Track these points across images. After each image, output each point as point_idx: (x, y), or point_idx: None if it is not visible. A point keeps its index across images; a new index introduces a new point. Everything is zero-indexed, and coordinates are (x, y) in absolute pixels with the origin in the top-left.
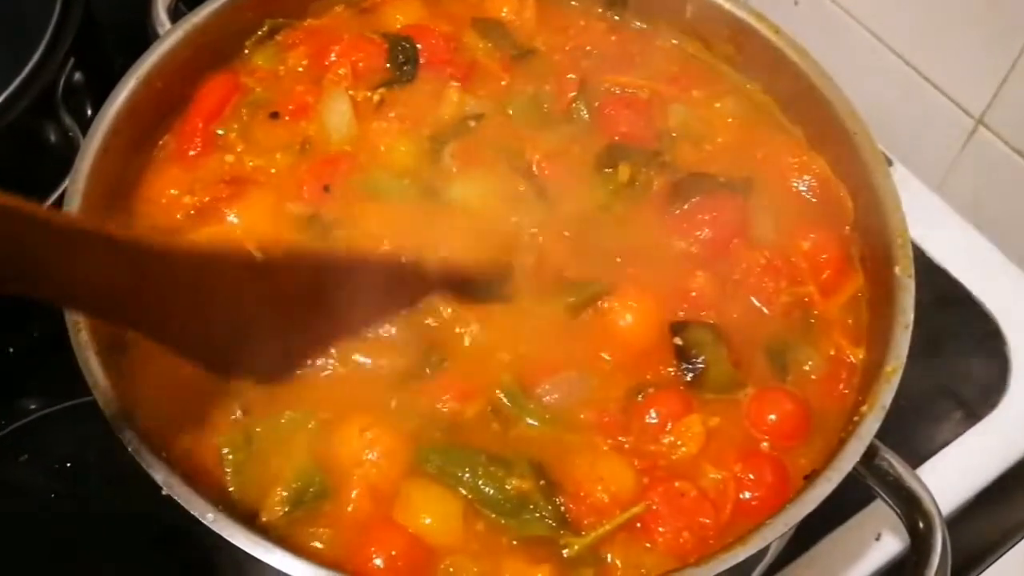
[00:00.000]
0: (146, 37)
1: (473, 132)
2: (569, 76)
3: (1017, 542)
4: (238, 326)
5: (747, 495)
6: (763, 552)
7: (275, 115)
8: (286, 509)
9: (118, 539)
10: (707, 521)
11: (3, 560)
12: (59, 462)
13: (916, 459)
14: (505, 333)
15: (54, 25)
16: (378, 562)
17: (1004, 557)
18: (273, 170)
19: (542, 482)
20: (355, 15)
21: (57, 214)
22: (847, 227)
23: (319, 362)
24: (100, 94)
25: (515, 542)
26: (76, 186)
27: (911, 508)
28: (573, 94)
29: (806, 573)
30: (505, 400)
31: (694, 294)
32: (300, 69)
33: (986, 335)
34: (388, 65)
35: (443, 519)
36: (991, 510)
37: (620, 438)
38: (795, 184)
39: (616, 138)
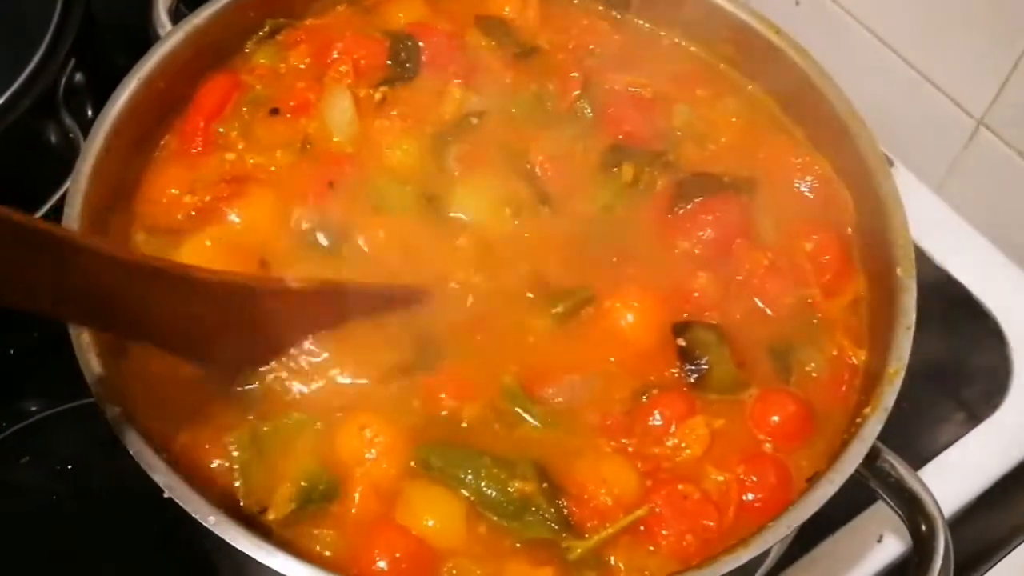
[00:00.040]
0: (147, 38)
1: (476, 131)
2: (572, 75)
3: (1020, 543)
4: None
5: (750, 497)
6: (765, 554)
7: (276, 111)
8: (294, 506)
9: (119, 540)
10: (710, 524)
11: (4, 561)
12: (60, 464)
13: (918, 461)
14: (507, 337)
15: (55, 26)
16: (382, 564)
17: (1007, 558)
18: (273, 168)
19: (545, 484)
20: (357, 13)
21: (58, 228)
22: (849, 228)
23: (322, 362)
24: (101, 95)
25: (518, 545)
26: (77, 187)
27: (913, 510)
28: (576, 92)
29: (808, 575)
30: (506, 401)
31: (697, 295)
32: (302, 67)
33: (987, 336)
34: (390, 63)
35: (446, 521)
36: (993, 511)
37: (623, 440)
38: (797, 184)
39: (620, 137)
